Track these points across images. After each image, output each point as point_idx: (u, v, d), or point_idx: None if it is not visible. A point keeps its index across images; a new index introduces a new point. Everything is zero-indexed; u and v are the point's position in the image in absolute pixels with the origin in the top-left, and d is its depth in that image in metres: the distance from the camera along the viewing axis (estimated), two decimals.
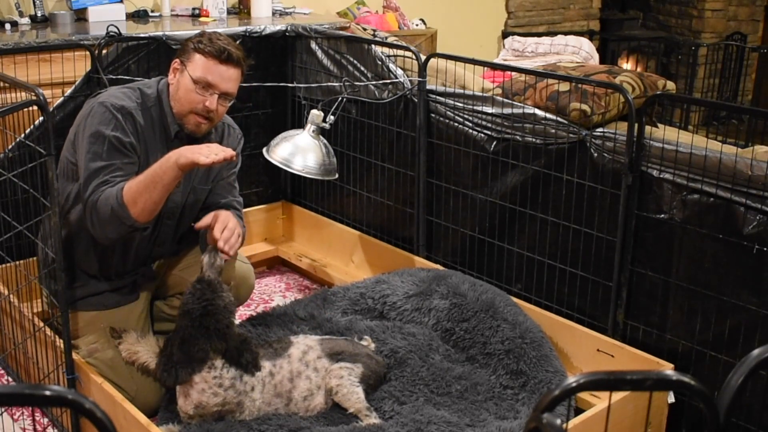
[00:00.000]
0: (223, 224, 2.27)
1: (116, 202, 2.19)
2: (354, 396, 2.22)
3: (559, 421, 0.90)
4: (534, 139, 2.71)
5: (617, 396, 2.12)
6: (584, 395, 2.39)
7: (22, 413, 2.46)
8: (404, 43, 3.26)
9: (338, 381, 2.24)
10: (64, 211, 2.38)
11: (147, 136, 2.38)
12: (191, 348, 2.11)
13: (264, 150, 2.81)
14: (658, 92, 2.71)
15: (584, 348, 2.56)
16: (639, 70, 6.11)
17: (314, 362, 2.28)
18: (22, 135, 2.49)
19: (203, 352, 2.12)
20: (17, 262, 2.61)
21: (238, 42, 3.27)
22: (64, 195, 2.38)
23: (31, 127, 2.63)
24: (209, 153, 2.20)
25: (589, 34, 6.19)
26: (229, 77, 2.38)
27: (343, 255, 3.46)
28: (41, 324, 2.38)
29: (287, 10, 4.40)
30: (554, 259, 2.71)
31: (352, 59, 3.35)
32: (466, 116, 2.92)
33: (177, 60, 2.41)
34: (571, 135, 2.61)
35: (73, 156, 2.36)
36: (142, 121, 2.37)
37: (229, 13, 4.27)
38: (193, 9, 4.18)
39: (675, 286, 2.40)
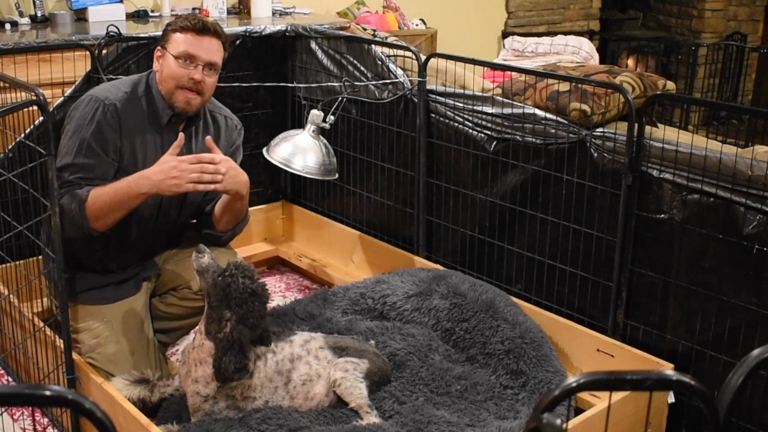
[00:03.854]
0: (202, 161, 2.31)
1: (78, 213, 2.28)
2: (357, 390, 2.20)
3: (559, 421, 0.90)
4: (534, 139, 2.71)
5: (617, 396, 2.12)
6: (584, 395, 2.39)
7: (22, 413, 2.46)
8: (404, 43, 3.26)
9: (342, 374, 2.22)
10: None
11: (132, 127, 2.42)
12: (257, 330, 2.13)
13: (264, 150, 2.81)
14: (658, 92, 2.70)
15: (584, 348, 2.56)
16: (639, 70, 6.11)
17: (316, 351, 2.27)
18: (22, 135, 2.49)
19: (266, 331, 2.18)
20: (17, 262, 2.61)
21: (237, 42, 3.28)
22: None
23: (31, 127, 2.63)
24: (189, 177, 2.25)
25: (589, 34, 6.19)
26: (209, 47, 2.43)
27: (343, 255, 3.46)
28: (41, 324, 2.38)
29: (287, 10, 4.40)
30: (554, 259, 2.71)
31: (352, 59, 3.35)
32: (466, 116, 2.92)
33: (158, 48, 2.48)
34: (571, 135, 2.61)
35: None
36: (129, 111, 2.42)
37: (229, 13, 4.28)
38: (193, 9, 4.18)
39: (675, 286, 2.40)
